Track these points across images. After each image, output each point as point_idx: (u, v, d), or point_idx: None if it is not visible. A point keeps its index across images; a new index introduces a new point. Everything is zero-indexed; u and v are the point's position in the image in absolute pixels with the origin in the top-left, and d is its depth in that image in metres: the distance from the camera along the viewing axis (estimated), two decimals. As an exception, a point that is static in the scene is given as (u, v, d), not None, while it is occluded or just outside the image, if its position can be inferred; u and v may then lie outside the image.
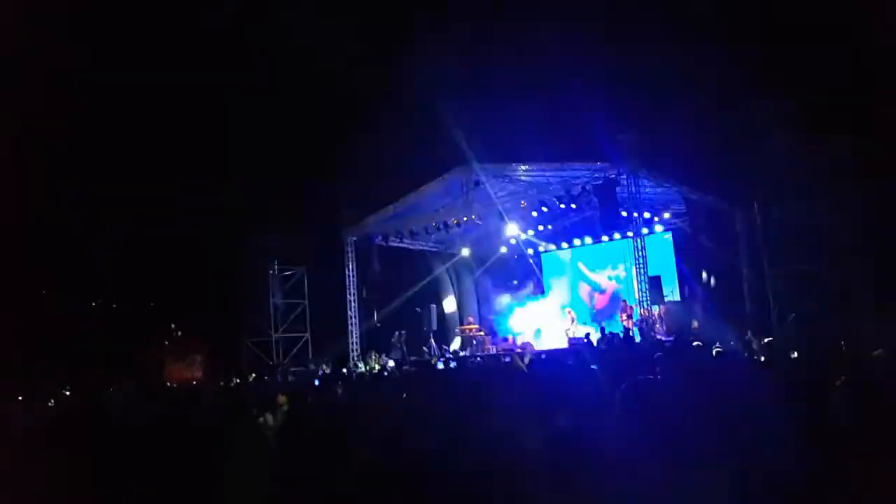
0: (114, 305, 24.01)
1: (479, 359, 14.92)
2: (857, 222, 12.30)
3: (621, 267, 18.04)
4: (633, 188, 14.37)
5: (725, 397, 3.17)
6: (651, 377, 3.99)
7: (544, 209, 15.71)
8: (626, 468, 2.40)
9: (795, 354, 7.44)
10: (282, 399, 5.74)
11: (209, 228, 17.81)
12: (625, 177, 14.23)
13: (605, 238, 18.15)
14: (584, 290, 19.28)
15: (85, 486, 3.75)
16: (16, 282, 18.63)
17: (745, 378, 4.40)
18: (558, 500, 2.71)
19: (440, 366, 11.04)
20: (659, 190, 15.77)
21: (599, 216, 15.16)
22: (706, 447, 2.36)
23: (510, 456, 3.33)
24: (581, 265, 19.48)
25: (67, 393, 12.97)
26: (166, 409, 6.71)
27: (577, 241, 19.34)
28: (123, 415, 6.24)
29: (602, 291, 18.92)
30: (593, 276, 19.18)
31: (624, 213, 14.87)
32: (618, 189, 14.29)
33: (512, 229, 17.67)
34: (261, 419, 5.56)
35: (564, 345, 15.51)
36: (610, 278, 18.73)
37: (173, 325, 20.93)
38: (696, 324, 14.67)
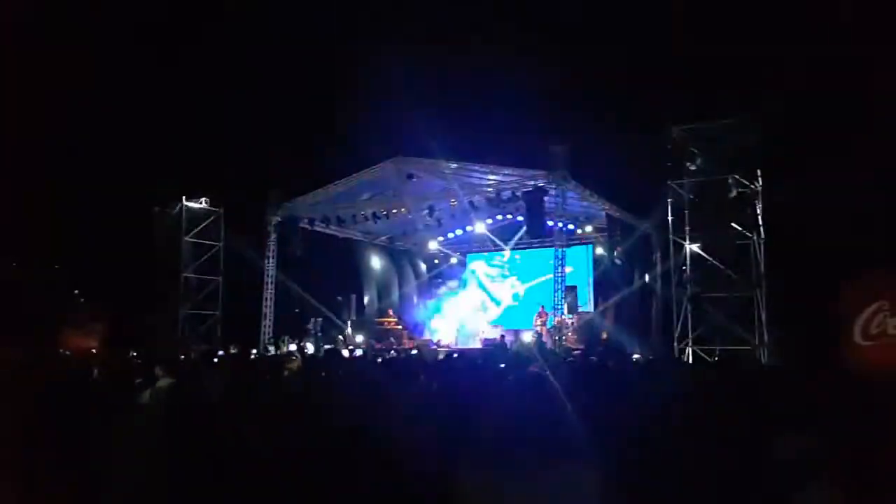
0: (14, 264, 22.67)
1: (392, 352, 14.88)
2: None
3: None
4: (561, 198, 14.67)
5: (607, 396, 3.25)
6: (539, 371, 4.08)
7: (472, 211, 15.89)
8: (503, 457, 2.40)
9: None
10: (159, 372, 5.49)
11: (126, 193, 17.08)
12: (553, 186, 14.50)
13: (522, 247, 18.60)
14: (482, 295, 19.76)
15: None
16: None
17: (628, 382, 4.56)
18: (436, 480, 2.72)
19: (346, 353, 10.90)
20: (584, 203, 16.16)
21: (526, 223, 15.41)
22: (579, 440, 2.39)
23: (394, 440, 3.33)
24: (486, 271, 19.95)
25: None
26: (56, 374, 6.38)
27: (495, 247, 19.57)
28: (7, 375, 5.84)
29: (498, 304, 19.38)
30: (492, 286, 19.68)
31: (550, 223, 15.20)
32: (546, 198, 14.54)
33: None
34: (144, 392, 5.32)
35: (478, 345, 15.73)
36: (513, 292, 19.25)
37: (76, 291, 19.99)
38: (605, 335, 15.15)
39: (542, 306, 16.77)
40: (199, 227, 17.35)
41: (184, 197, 17.07)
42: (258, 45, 16.49)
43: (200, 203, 17.34)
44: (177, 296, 17.03)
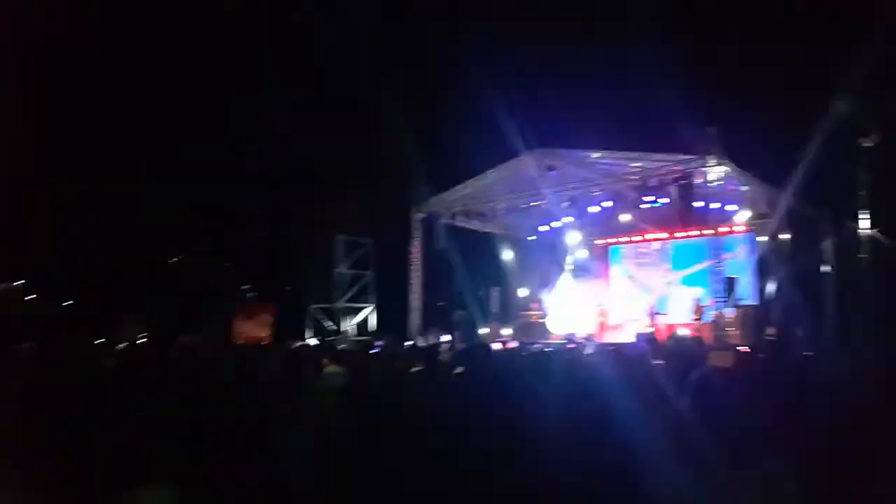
0: (190, 263, 25.18)
1: (539, 345, 14.76)
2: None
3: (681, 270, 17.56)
4: (715, 183, 13.82)
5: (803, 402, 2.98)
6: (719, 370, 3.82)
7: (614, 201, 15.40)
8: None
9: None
10: (325, 361, 5.80)
11: (283, 196, 18.33)
12: (706, 171, 13.69)
13: (677, 235, 17.60)
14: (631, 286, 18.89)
15: (148, 420, 3.91)
16: (105, 235, 19.75)
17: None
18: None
19: (494, 347, 10.92)
20: (743, 188, 15.10)
21: (678, 211, 14.70)
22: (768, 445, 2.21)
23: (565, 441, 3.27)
24: (630, 262, 19.08)
25: (141, 341, 13.62)
26: (233, 360, 6.99)
27: (644, 237, 18.79)
28: (190, 363, 6.48)
29: (648, 294, 18.42)
30: (641, 276, 18.75)
31: (704, 209, 14.38)
32: (698, 183, 13.80)
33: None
34: (317, 380, 5.64)
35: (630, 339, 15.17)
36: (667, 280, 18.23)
37: (244, 287, 21.75)
38: (772, 330, 14.01)
39: (698, 299, 15.89)
40: (351, 225, 18.29)
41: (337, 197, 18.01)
42: (393, 42, 16.96)
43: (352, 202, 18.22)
44: (331, 290, 18.10)
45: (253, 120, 17.06)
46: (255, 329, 17.06)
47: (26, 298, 27.25)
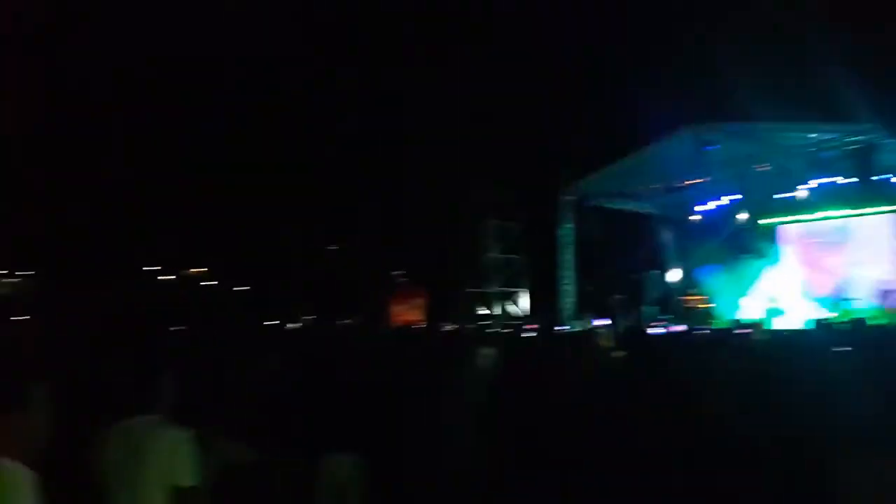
0: (347, 250, 26.70)
1: (704, 330, 13.95)
2: None
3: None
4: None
5: None
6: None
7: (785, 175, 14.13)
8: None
9: None
10: (486, 349, 5.85)
11: (434, 182, 18.74)
12: (890, 141, 12.23)
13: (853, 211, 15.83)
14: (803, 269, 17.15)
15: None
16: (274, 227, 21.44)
17: None
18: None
19: (657, 332, 10.47)
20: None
21: (856, 185, 13.26)
22: None
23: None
24: (802, 242, 17.30)
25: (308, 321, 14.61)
26: (394, 341, 7.34)
27: (818, 213, 17.04)
28: (354, 342, 6.84)
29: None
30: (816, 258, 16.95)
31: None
32: (879, 155, 12.39)
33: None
34: (475, 360, 5.70)
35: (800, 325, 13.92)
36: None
37: (397, 272, 22.60)
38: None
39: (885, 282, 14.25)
40: (501, 208, 18.36)
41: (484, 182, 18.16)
42: (542, 19, 16.64)
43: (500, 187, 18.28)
44: (483, 274, 18.31)
45: (405, 107, 17.59)
46: (409, 312, 17.65)
47: (206, 283, 30.23)
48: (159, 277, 29.99)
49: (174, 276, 30.78)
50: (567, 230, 17.49)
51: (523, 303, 18.86)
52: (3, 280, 33.63)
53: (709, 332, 11.17)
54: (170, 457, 2.61)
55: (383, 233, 22.18)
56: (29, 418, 1.63)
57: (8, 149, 21.38)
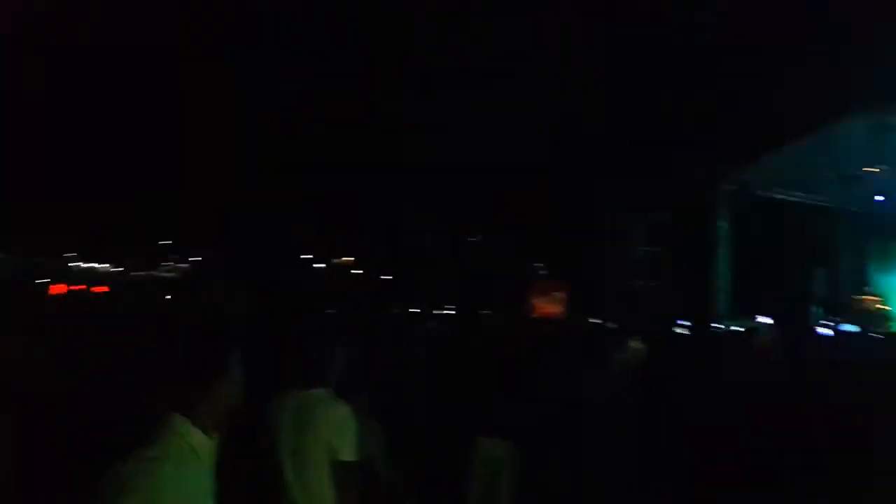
0: (488, 241, 26.94)
1: (879, 335, 12.56)
2: None
3: None
4: None
5: None
6: None
7: None
8: None
9: None
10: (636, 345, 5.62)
11: (573, 173, 18.33)
12: None
13: None
14: None
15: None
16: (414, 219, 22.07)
17: None
18: None
19: (825, 333, 9.54)
20: None
21: None
22: None
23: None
24: None
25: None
26: (534, 333, 7.30)
27: None
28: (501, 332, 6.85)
29: None
30: None
31: None
32: None
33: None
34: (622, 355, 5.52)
35: None
36: None
37: (538, 265, 22.46)
38: None
39: None
40: (647, 199, 17.55)
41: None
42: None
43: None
44: (628, 268, 17.64)
45: (545, 95, 17.30)
46: (550, 305, 17.48)
47: (354, 271, 31.79)
48: (314, 265, 32.06)
49: (325, 265, 32.74)
50: (724, 222, 16.40)
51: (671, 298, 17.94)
52: (177, 265, 37.46)
53: (883, 336, 10.08)
54: (333, 430, 2.69)
55: (525, 224, 22.08)
56: (229, 384, 1.69)
57: (188, 148, 23.70)
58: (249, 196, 28.71)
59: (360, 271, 31.90)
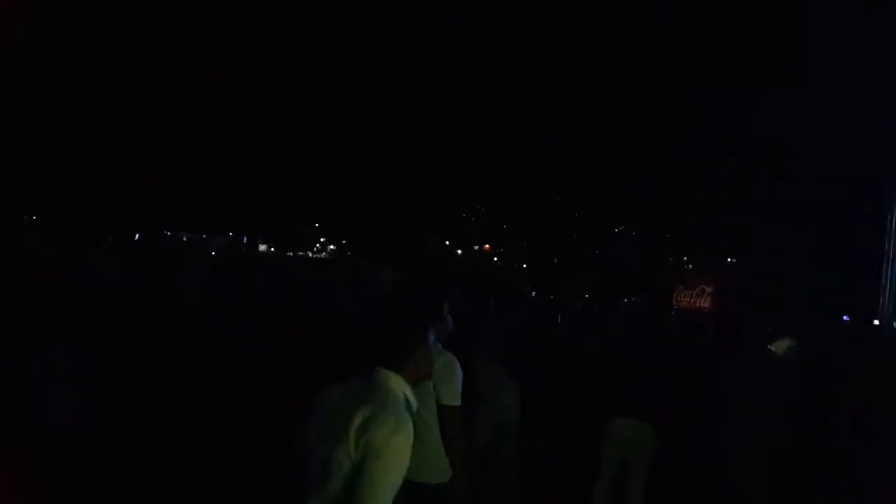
0: (635, 234, 26.21)
1: None
2: None
3: None
4: None
5: None
6: None
7: None
8: None
9: None
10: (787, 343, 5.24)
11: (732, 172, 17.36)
12: None
13: None
14: None
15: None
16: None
17: None
18: None
19: None
20: None
21: None
22: None
23: None
24: None
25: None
26: (675, 326, 7.01)
27: None
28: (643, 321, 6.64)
29: None
30: None
31: None
32: None
33: None
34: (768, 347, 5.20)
35: None
36: None
37: (685, 258, 21.59)
38: None
39: None
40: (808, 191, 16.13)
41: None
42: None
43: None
44: (784, 262, 16.41)
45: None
46: (695, 298, 16.76)
47: (494, 259, 32.13)
48: (456, 251, 32.89)
49: (461, 252, 33.43)
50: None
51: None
52: (328, 247, 39.80)
53: None
54: (438, 377, 2.76)
55: (668, 218, 21.38)
56: (427, 351, 2.17)
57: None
58: (395, 185, 30.01)
59: (498, 260, 32.19)
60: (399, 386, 2.02)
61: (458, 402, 2.74)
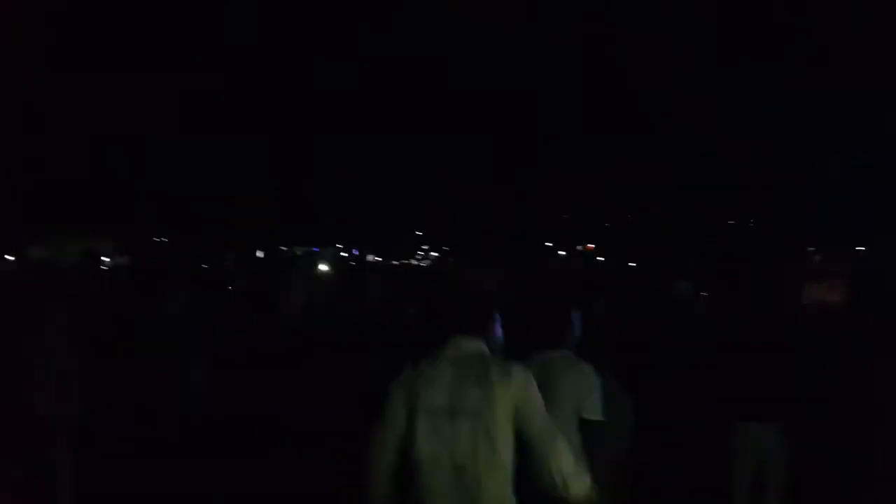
0: (751, 223, 24.99)
1: None
2: None
3: None
4: None
5: None
6: None
7: None
8: None
9: None
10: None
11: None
12: None
13: None
14: None
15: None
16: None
17: None
18: None
19: None
20: None
21: None
22: None
23: None
24: None
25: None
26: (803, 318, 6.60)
27: None
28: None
29: None
30: None
31: None
32: None
33: None
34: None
35: None
36: None
37: (811, 249, 20.58)
38: None
39: None
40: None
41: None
42: None
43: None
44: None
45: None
46: (825, 292, 15.56)
47: (599, 259, 31.47)
48: (558, 252, 32.55)
49: (566, 252, 33.01)
50: None
51: None
52: (430, 255, 40.41)
53: None
54: (579, 390, 2.72)
55: (791, 209, 20.35)
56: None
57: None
58: (493, 190, 30.07)
59: (603, 259, 31.46)
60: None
61: (601, 416, 2.69)
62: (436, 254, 40.07)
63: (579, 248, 33.09)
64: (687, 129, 22.23)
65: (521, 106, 24.34)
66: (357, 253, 34.08)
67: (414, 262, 35.83)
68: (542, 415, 2.07)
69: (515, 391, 2.01)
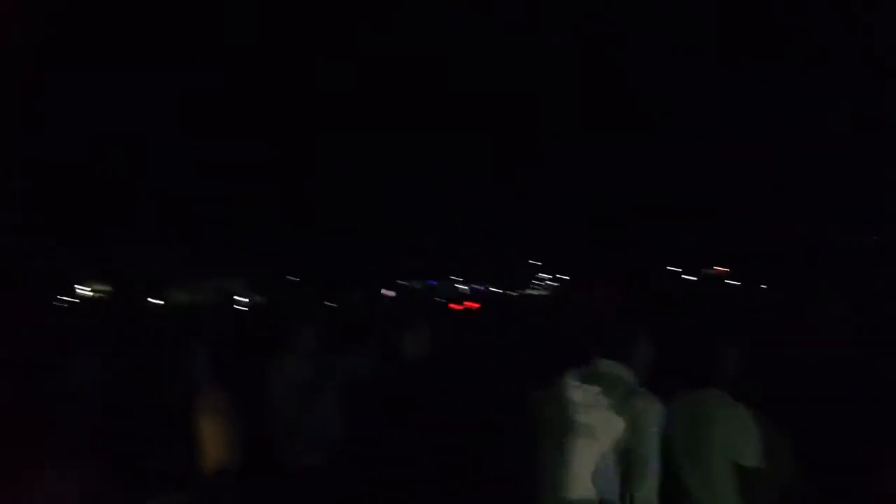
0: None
1: None
2: None
3: None
4: None
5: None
6: None
7: None
8: None
9: None
10: None
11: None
12: None
13: None
14: None
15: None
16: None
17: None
18: None
19: None
20: None
21: None
22: None
23: None
24: None
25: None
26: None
27: None
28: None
29: None
30: None
31: None
32: None
33: None
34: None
35: None
36: None
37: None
38: None
39: None
40: None
41: None
42: None
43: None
44: None
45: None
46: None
47: (730, 282, 29.77)
48: (683, 276, 31.01)
49: (696, 277, 31.34)
50: None
51: None
52: (547, 283, 39.84)
53: None
54: (734, 433, 2.49)
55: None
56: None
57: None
58: (610, 215, 29.32)
59: (737, 282, 29.58)
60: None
61: (758, 464, 2.48)
62: (553, 283, 39.46)
63: (707, 271, 31.35)
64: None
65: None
66: (481, 288, 34.12)
67: (534, 291, 35.40)
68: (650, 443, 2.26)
69: (641, 421, 2.20)
